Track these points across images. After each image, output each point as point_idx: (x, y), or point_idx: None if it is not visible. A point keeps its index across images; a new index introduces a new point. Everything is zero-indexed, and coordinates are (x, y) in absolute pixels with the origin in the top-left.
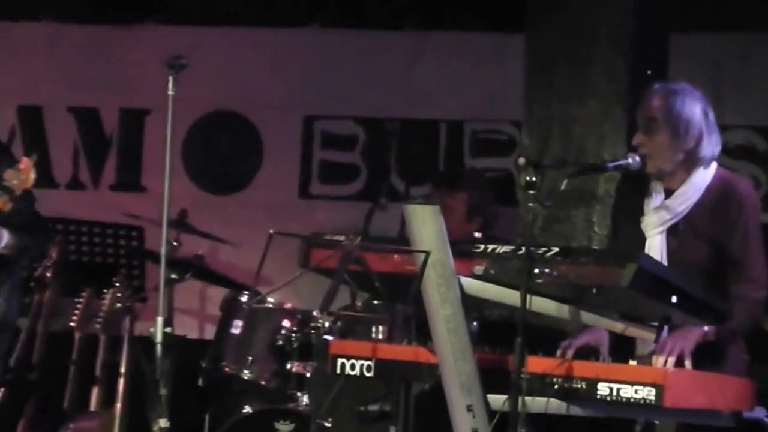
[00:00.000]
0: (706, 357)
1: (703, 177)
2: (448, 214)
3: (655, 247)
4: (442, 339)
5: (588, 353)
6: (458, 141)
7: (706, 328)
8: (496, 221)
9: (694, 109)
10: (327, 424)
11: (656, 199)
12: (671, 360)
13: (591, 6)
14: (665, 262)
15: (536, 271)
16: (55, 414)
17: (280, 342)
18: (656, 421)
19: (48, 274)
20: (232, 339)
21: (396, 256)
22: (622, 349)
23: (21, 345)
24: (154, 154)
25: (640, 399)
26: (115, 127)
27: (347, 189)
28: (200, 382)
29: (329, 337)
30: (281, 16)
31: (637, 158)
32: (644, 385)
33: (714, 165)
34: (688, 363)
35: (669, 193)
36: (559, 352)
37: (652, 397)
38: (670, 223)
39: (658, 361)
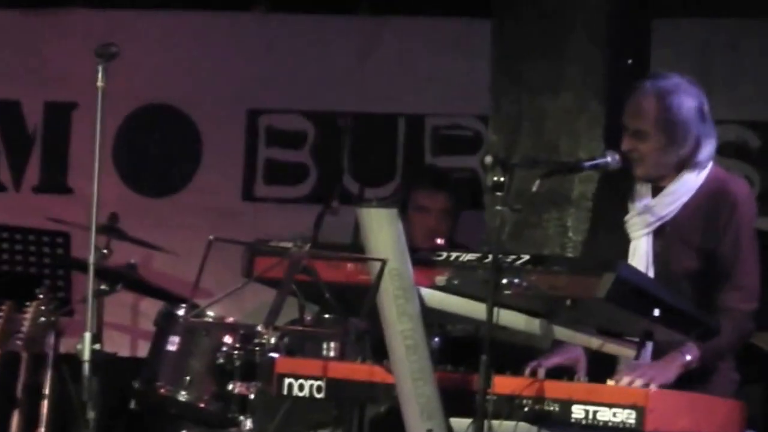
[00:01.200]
0: (690, 376)
1: (696, 175)
2: (427, 215)
3: (641, 250)
4: (400, 357)
5: (561, 373)
6: (418, 137)
7: (688, 357)
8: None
9: (691, 109)
10: None
11: (643, 198)
12: (637, 383)
13: None
14: (651, 267)
15: (504, 281)
16: None
17: (221, 360)
18: None
19: None
20: (168, 357)
21: (349, 264)
22: (601, 368)
23: None
24: (82, 152)
25: (618, 423)
26: (39, 123)
27: (295, 191)
28: (132, 404)
29: (275, 355)
30: None
31: (617, 157)
32: (623, 407)
33: (709, 165)
34: (653, 387)
35: (656, 191)
36: (527, 372)
37: (632, 421)
38: (656, 225)
39: (621, 381)
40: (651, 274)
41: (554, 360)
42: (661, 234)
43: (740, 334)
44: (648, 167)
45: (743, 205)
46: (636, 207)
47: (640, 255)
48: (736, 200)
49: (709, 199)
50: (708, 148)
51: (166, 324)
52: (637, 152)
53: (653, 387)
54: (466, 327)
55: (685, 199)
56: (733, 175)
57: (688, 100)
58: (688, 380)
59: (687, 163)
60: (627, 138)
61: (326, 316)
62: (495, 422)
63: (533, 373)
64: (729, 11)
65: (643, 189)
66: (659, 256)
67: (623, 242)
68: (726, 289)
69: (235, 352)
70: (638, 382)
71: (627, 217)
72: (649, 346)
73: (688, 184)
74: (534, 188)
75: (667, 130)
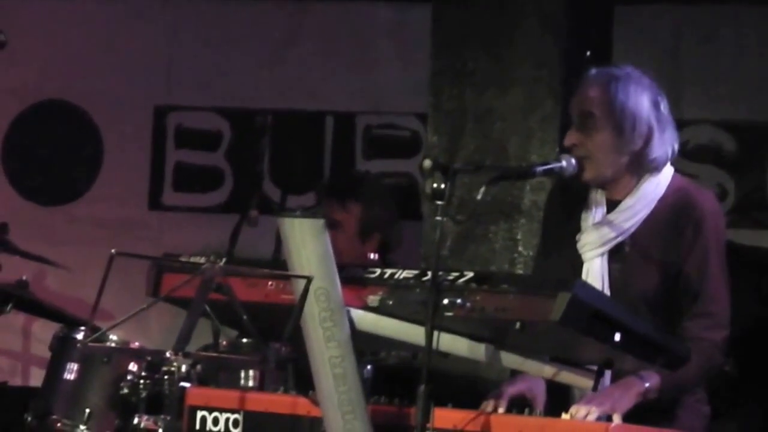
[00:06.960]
0: (654, 409)
1: (656, 186)
2: (336, 231)
3: (594, 272)
4: (327, 387)
5: (514, 405)
6: (348, 138)
7: (647, 383)
8: (399, 242)
9: (642, 99)
10: None
11: (597, 212)
12: (593, 414)
13: None
14: (606, 292)
15: (445, 302)
16: None
17: (125, 391)
18: None
19: None
20: (65, 386)
21: (269, 282)
22: (556, 399)
23: None
24: None
25: None
26: None
27: (209, 198)
28: None
29: (186, 385)
30: None
31: (573, 161)
32: None
33: (669, 170)
34: (617, 419)
35: (612, 206)
36: (488, 405)
37: None
38: (612, 243)
39: (578, 413)
40: None
41: (518, 387)
42: (617, 254)
43: (708, 367)
44: (597, 166)
45: (711, 222)
46: (588, 223)
47: (594, 277)
48: (702, 216)
49: (672, 212)
50: (663, 146)
51: (62, 349)
52: (583, 148)
53: (616, 419)
54: (402, 353)
55: (645, 213)
56: (698, 185)
57: (639, 89)
58: (651, 415)
59: (640, 163)
60: (572, 131)
61: (244, 340)
62: None
63: (496, 405)
64: None
65: (598, 200)
66: (616, 279)
67: (576, 261)
68: (691, 316)
69: (141, 381)
70: (595, 414)
71: (579, 235)
72: (609, 375)
73: (649, 195)
74: (479, 196)
75: (614, 117)
